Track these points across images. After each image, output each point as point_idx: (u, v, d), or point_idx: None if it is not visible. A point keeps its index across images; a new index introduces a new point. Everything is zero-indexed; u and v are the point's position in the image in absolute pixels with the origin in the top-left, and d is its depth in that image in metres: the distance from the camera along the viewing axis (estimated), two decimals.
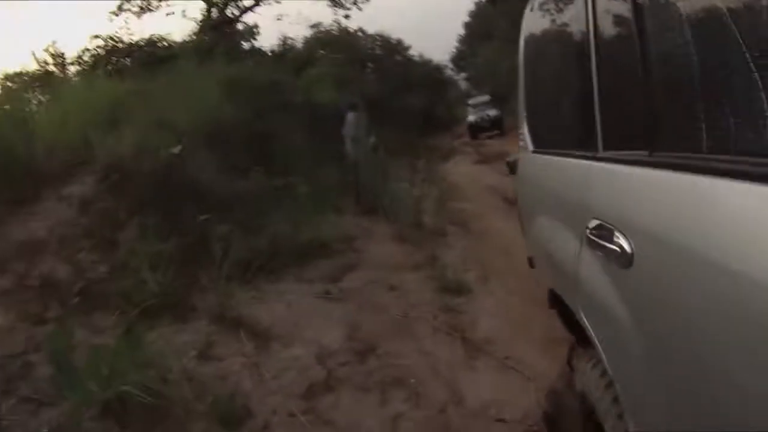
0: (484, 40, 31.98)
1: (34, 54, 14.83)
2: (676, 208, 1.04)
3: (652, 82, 1.20)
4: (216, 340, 3.83)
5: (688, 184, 1.00)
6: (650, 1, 1.22)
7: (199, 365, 3.48)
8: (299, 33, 23.29)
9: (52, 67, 12.66)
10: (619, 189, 1.37)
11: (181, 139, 6.37)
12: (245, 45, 17.58)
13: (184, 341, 3.74)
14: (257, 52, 17.34)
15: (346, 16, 19.48)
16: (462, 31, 44.44)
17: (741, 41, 0.85)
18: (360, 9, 19.27)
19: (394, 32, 30.93)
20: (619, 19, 1.43)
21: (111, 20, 16.35)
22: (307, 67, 15.58)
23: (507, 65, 21.25)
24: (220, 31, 16.62)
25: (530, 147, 2.51)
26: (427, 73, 31.91)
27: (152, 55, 13.46)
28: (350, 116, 8.66)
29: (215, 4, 17.03)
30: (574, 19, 1.80)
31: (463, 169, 13.84)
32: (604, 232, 1.31)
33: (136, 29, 18.50)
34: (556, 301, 2.10)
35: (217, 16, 17.13)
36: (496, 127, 23.53)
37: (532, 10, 2.44)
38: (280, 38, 19.96)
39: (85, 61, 13.65)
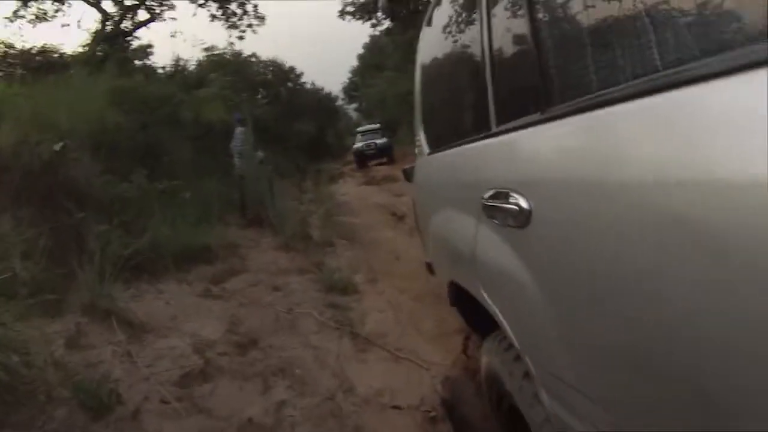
0: (377, 71, 32.59)
1: None
2: (568, 151, 1.07)
3: (540, 52, 1.23)
4: (87, 331, 3.56)
5: (577, 124, 1.02)
6: None
7: (68, 353, 3.20)
8: (194, 55, 22.90)
9: None
10: (513, 154, 1.37)
11: (63, 138, 5.97)
12: (138, 62, 17.15)
13: (54, 330, 3.44)
14: (150, 68, 16.95)
15: (240, 37, 19.47)
16: (355, 63, 45.14)
17: None
18: (255, 32, 19.40)
19: (289, 60, 31.03)
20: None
21: (5, 26, 16.10)
22: (199, 87, 15.35)
23: (398, 95, 21.71)
24: (114, 44, 16.14)
25: (426, 151, 2.51)
26: (317, 100, 32.00)
27: (43, 63, 12.89)
28: (238, 131, 8.72)
29: (110, 17, 16.54)
30: (467, 19, 1.88)
31: (351, 190, 13.90)
32: (501, 198, 1.32)
33: (30, 37, 17.84)
34: (456, 297, 2.10)
35: (112, 29, 16.61)
36: (384, 155, 22.48)
37: (428, 23, 2.48)
38: (173, 58, 19.61)
39: None
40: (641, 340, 0.84)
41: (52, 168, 5.58)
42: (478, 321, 2.17)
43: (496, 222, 1.36)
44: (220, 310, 4.10)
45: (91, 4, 16.08)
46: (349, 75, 46.47)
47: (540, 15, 1.24)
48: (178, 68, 17.18)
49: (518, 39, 1.39)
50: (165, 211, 6.29)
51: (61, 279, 4.22)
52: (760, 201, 0.58)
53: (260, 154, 8.94)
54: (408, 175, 2.89)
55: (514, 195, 1.22)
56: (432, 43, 2.45)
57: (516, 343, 1.34)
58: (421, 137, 2.59)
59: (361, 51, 42.74)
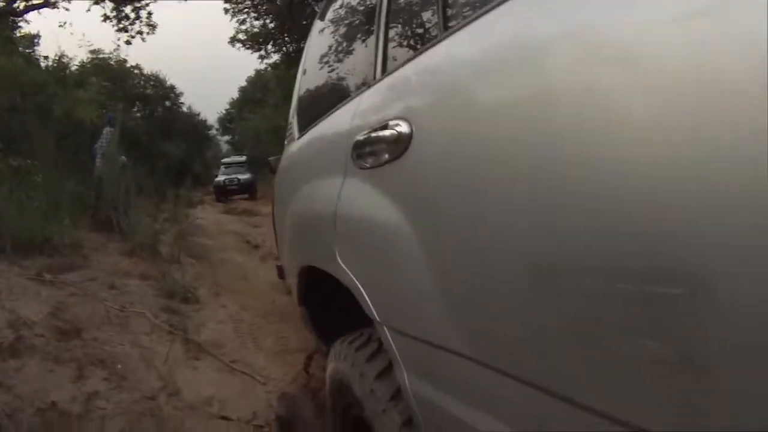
0: (256, 106, 32.32)
1: None
2: (451, 68, 1.05)
3: None
4: None
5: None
6: None
7: None
8: (79, 54, 21.88)
9: None
10: (398, 88, 1.31)
11: None
12: (22, 49, 15.96)
13: None
14: (32, 57, 15.87)
15: (128, 42, 18.75)
16: (236, 95, 44.48)
17: None
18: (144, 40, 18.82)
19: (171, 78, 30.30)
20: None
21: None
22: (77, 87, 14.56)
23: (272, 129, 21.55)
24: (0, 22, 15.02)
25: (296, 134, 2.45)
26: (192, 125, 31.13)
27: None
28: (106, 131, 8.31)
29: None
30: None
31: (209, 216, 13.45)
32: (378, 131, 1.24)
33: None
34: (306, 291, 2.03)
35: (2, 6, 15.58)
36: (247, 191, 21.86)
37: (321, 18, 2.47)
38: (57, 53, 18.56)
39: None
40: (543, 285, 0.75)
41: None
42: (326, 325, 2.11)
43: (366, 164, 1.29)
44: (48, 296, 3.69)
45: None
46: (227, 106, 45.74)
47: None
48: (61, 64, 16.22)
49: None
50: (14, 192, 5.69)
51: None
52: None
53: (123, 158, 8.45)
54: (272, 168, 2.86)
55: (394, 123, 1.15)
56: (322, 34, 2.44)
57: (374, 314, 1.21)
58: (294, 124, 2.53)
59: (243, 84, 42.36)
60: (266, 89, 30.55)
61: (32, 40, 17.75)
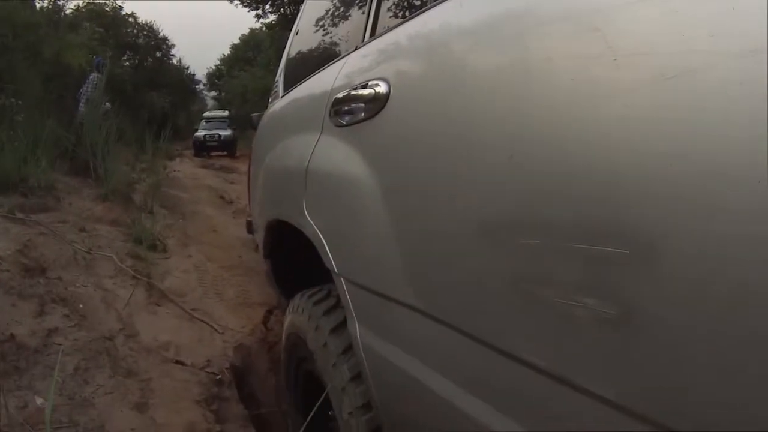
0: (246, 64, 31.90)
1: None
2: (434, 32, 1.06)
3: None
4: None
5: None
6: None
7: None
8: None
9: None
10: (382, 52, 1.33)
11: None
12: None
13: None
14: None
15: None
16: (228, 52, 43.81)
17: None
18: None
19: (165, 29, 29.86)
20: None
21: None
22: (70, 32, 14.17)
23: (259, 89, 21.23)
24: None
25: (281, 93, 2.46)
26: (180, 79, 30.64)
27: None
28: (92, 76, 8.22)
29: None
30: None
31: (186, 169, 13.28)
32: (357, 89, 1.27)
33: None
34: (272, 244, 2.05)
35: None
36: (226, 149, 21.43)
37: None
38: None
39: None
40: (493, 243, 0.77)
41: None
42: (288, 281, 2.14)
43: (343, 122, 1.31)
44: (18, 233, 3.64)
45: None
46: (218, 62, 45.06)
47: None
48: (56, 6, 15.76)
49: None
50: None
51: None
52: None
53: (107, 105, 8.37)
54: (254, 123, 2.83)
55: (374, 83, 1.18)
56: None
57: (333, 265, 1.25)
58: (280, 83, 2.54)
59: (236, 41, 41.72)
60: (259, 49, 30.19)
61: None
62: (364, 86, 1.21)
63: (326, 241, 1.30)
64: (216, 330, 2.98)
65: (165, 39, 28.78)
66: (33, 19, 10.82)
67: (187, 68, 32.79)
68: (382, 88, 1.13)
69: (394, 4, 1.53)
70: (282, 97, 2.40)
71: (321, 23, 2.35)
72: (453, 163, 0.88)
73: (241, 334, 2.94)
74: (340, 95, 1.37)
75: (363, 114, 1.19)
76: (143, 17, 26.60)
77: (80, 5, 20.26)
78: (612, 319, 0.58)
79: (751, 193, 0.46)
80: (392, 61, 1.23)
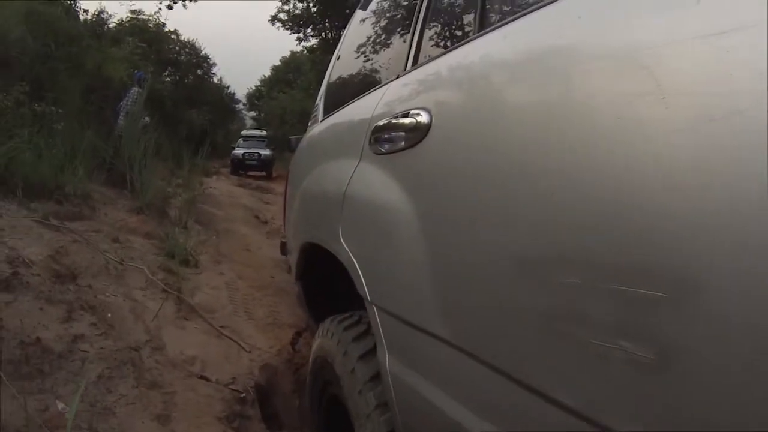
0: (286, 86, 32.41)
1: None
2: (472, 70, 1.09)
3: None
4: None
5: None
6: None
7: None
8: (119, 12, 22.11)
9: None
10: (426, 81, 1.33)
11: None
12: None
13: None
14: (73, 8, 15.90)
15: (170, 6, 18.58)
16: (268, 73, 44.61)
17: None
18: (185, 7, 18.64)
19: (206, 48, 30.58)
20: None
21: None
22: (113, 45, 14.63)
23: (298, 112, 21.46)
24: None
25: (321, 117, 2.50)
26: (219, 97, 31.21)
27: None
28: (133, 90, 8.36)
29: None
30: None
31: (223, 187, 13.50)
32: (398, 118, 1.28)
33: None
34: (305, 267, 2.06)
35: None
36: (265, 168, 21.49)
37: (363, 8, 2.51)
38: (97, 9, 18.63)
39: None
40: (530, 281, 0.76)
41: None
42: (319, 304, 2.14)
43: (383, 149, 1.32)
44: (50, 239, 3.72)
45: None
46: (258, 83, 45.95)
47: None
48: (99, 19, 16.30)
49: None
50: (33, 137, 5.69)
51: None
52: None
53: (147, 119, 8.54)
54: (292, 146, 2.87)
55: (415, 112, 1.18)
56: (362, 23, 2.47)
57: (366, 292, 1.24)
58: (319, 107, 2.58)
59: (277, 63, 42.50)
60: (299, 72, 30.64)
61: None
62: (406, 115, 1.22)
63: (360, 268, 1.30)
64: (243, 348, 2.99)
65: (206, 57, 29.31)
66: (75, 30, 11.18)
67: (228, 87, 33.41)
68: (423, 117, 1.14)
69: (436, 33, 1.54)
70: (321, 121, 2.43)
71: (362, 50, 2.38)
72: (492, 197, 0.87)
73: (269, 354, 2.94)
74: (380, 123, 1.38)
75: (403, 143, 1.20)
76: (185, 35, 27.13)
77: (124, 20, 20.96)
78: (649, 363, 0.57)
79: None
80: (434, 91, 1.24)
